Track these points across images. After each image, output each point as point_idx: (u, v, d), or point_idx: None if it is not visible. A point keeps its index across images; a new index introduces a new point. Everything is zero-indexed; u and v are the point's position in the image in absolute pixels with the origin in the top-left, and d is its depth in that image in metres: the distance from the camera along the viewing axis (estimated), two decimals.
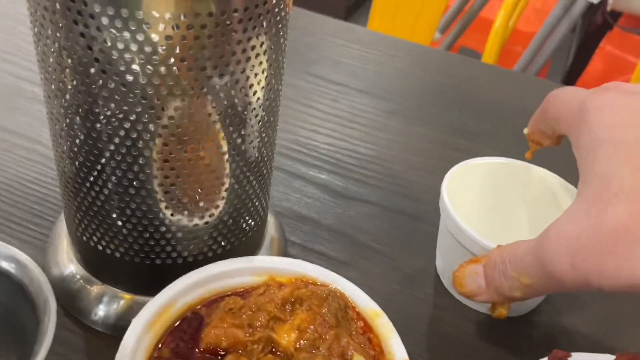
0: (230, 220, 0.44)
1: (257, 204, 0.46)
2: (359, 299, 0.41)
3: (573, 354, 0.38)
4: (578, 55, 2.03)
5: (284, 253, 0.53)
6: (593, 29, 2.13)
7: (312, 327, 0.37)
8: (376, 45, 0.88)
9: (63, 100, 0.37)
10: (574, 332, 0.51)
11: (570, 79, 2.00)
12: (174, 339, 0.38)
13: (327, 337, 0.37)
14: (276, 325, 0.38)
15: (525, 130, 0.49)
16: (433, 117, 0.75)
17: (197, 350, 0.37)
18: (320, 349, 0.36)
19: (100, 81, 0.35)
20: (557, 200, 0.51)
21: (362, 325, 0.40)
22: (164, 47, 0.33)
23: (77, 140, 0.38)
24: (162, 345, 0.37)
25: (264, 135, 0.43)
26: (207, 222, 0.42)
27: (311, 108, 0.73)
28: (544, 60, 1.71)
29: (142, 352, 0.36)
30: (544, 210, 0.51)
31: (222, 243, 0.44)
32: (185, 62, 0.35)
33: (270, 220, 0.54)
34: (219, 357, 0.37)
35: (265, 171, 0.46)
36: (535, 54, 1.68)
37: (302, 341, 0.37)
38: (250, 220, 0.46)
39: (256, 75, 0.39)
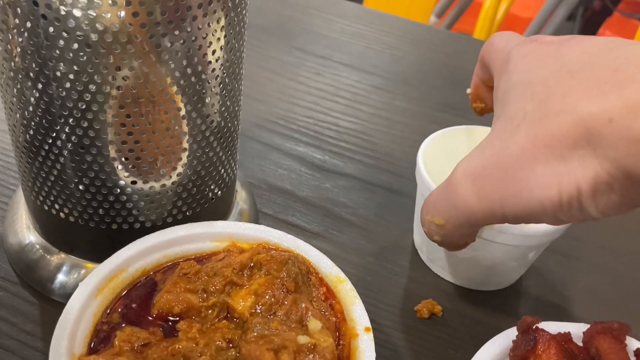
0: (191, 186, 0.42)
1: (221, 170, 0.44)
2: (323, 265, 0.39)
3: (544, 322, 0.36)
4: None
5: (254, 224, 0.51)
6: (592, 14, 2.10)
7: (269, 292, 0.35)
8: (363, 19, 0.86)
9: (12, 64, 0.35)
10: (553, 304, 0.49)
11: None
12: (124, 304, 0.36)
13: (285, 302, 0.35)
14: (232, 291, 0.36)
15: (468, 90, 0.46)
16: (419, 92, 0.73)
17: (148, 316, 0.36)
18: (277, 314, 0.34)
19: (49, 40, 0.33)
20: None
21: (325, 291, 0.38)
22: (114, 1, 0.31)
23: (30, 107, 0.36)
24: (111, 311, 0.35)
25: (225, 98, 0.41)
26: (165, 187, 0.40)
27: (293, 81, 0.71)
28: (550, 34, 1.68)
29: (89, 318, 0.35)
30: None
31: (183, 209, 0.42)
32: (137, 18, 0.33)
33: (240, 191, 0.52)
34: (172, 323, 0.35)
35: (229, 136, 0.44)
36: (537, 32, 1.66)
37: (258, 306, 0.35)
38: (214, 187, 0.44)
39: (214, 32, 0.37)
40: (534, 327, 0.35)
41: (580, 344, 0.36)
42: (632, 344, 0.36)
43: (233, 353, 0.32)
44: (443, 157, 0.49)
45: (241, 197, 0.51)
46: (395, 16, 0.89)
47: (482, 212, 0.33)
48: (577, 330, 0.37)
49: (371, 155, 0.62)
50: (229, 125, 0.43)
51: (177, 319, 0.35)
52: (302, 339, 0.32)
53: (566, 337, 0.36)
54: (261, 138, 0.62)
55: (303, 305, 0.35)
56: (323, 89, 0.71)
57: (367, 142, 0.63)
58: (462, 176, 0.34)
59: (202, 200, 0.43)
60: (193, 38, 0.35)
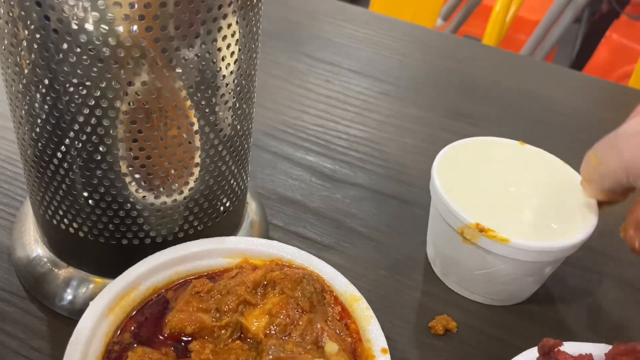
0: (203, 200, 0.41)
1: (232, 183, 0.44)
2: (338, 283, 0.38)
3: (565, 343, 0.35)
4: (584, 43, 1.99)
5: (265, 236, 0.50)
6: (599, 17, 2.08)
7: (284, 311, 0.35)
8: (371, 25, 0.85)
9: (22, 78, 0.34)
10: (570, 320, 0.48)
11: (576, 67, 1.96)
12: (136, 323, 0.35)
13: (300, 322, 0.34)
14: (246, 310, 0.35)
15: (593, 195, 0.45)
16: (429, 99, 0.72)
17: (160, 335, 0.35)
18: (292, 335, 0.34)
19: (60, 54, 0.32)
20: (553, 179, 0.48)
21: (340, 310, 0.37)
22: (127, 15, 0.31)
23: (40, 121, 0.36)
24: (122, 330, 0.35)
25: (238, 111, 0.40)
26: (176, 201, 0.40)
27: (302, 88, 0.71)
28: (548, 48, 1.67)
29: (100, 337, 0.34)
30: (541, 189, 0.47)
31: (195, 224, 0.42)
32: (151, 32, 0.32)
33: (251, 202, 0.51)
34: (184, 343, 0.34)
35: (241, 149, 0.43)
36: (539, 41, 1.64)
37: (272, 327, 0.34)
38: (225, 200, 0.43)
39: (228, 46, 0.36)
40: (555, 349, 0.34)
41: None
42: None
43: None
44: (459, 170, 0.48)
45: (252, 209, 0.50)
46: (403, 21, 0.88)
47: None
48: (598, 352, 0.36)
49: (382, 165, 0.61)
50: (241, 137, 0.42)
51: (190, 339, 0.35)
52: None
53: (587, 357, 0.35)
54: (270, 147, 0.61)
55: (319, 326, 0.34)
56: (332, 97, 0.70)
57: (377, 151, 0.62)
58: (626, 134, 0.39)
59: (213, 214, 0.43)
60: (207, 52, 0.35)
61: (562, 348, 0.34)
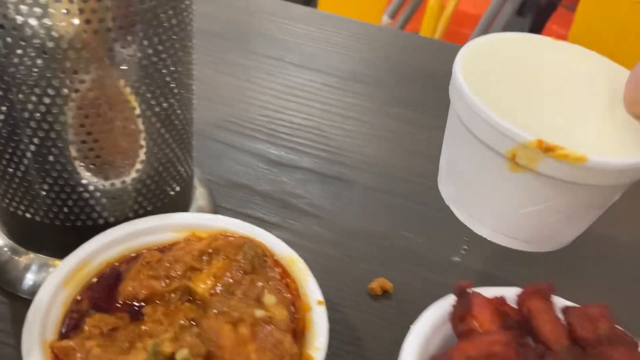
0: (150, 182, 0.44)
1: (178, 166, 0.47)
2: (278, 248, 0.42)
3: (481, 288, 0.40)
4: None
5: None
6: (540, 9, 2.18)
7: (227, 274, 0.38)
8: (314, 22, 0.89)
9: None
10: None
11: None
12: (92, 294, 0.38)
13: (243, 282, 0.38)
14: (193, 275, 0.38)
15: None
16: (368, 88, 0.77)
17: (116, 303, 0.38)
18: (236, 293, 0.37)
19: (7, 48, 0.35)
20: (607, 81, 0.39)
21: (280, 271, 0.41)
22: (68, 10, 0.34)
23: None
24: (79, 300, 0.38)
25: (177, 96, 0.44)
26: (125, 184, 0.43)
27: (248, 82, 0.74)
28: (500, 30, 1.75)
29: (59, 307, 0.37)
30: (597, 94, 0.38)
31: (144, 204, 0.45)
32: (90, 25, 0.35)
33: (199, 187, 0.54)
34: (138, 309, 0.38)
35: (184, 133, 0.47)
36: (482, 34, 1.72)
37: (217, 288, 0.38)
38: (172, 183, 0.47)
39: (163, 37, 0.39)
40: (470, 290, 0.38)
41: (515, 306, 0.40)
42: (559, 302, 0.40)
43: (195, 330, 0.35)
44: (489, 74, 0.38)
45: (200, 193, 0.54)
46: (345, 17, 0.92)
47: None
48: (511, 294, 0.41)
49: (325, 149, 0.65)
50: (183, 122, 0.46)
51: (143, 304, 0.38)
52: (259, 313, 0.35)
53: (501, 300, 0.40)
54: (219, 137, 0.65)
55: (260, 285, 0.38)
56: (276, 89, 0.74)
57: (320, 137, 0.67)
58: None
59: (161, 196, 0.46)
60: (144, 43, 0.38)
61: (476, 290, 0.39)
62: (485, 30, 1.75)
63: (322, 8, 1.60)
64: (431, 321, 0.39)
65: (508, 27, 1.95)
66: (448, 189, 0.42)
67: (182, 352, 0.31)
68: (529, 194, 0.36)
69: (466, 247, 0.55)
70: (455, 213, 0.43)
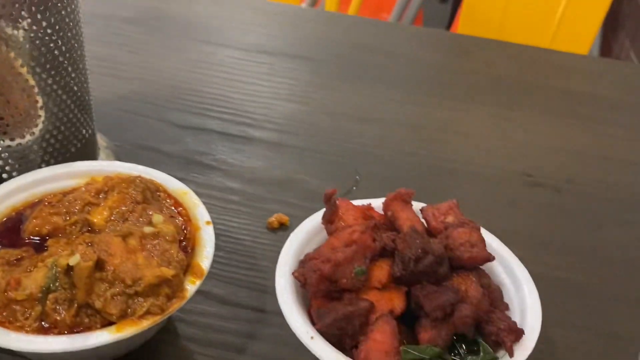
0: (53, 140, 0.49)
1: (78, 126, 0.51)
2: (169, 183, 0.46)
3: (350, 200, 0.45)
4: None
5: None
6: None
7: (122, 206, 0.43)
8: (218, 2, 0.94)
9: None
10: None
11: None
12: None
13: (136, 211, 0.42)
14: (91, 209, 0.43)
15: None
16: (269, 57, 0.82)
17: (22, 240, 0.42)
18: (129, 219, 0.42)
19: None
20: None
21: (173, 202, 0.45)
22: None
23: None
24: None
25: (71, 68, 0.48)
26: (30, 142, 0.47)
27: (155, 58, 0.78)
28: (415, 9, 1.83)
29: None
30: None
31: (46, 159, 0.49)
32: None
33: (104, 150, 0.58)
34: (42, 243, 0.42)
35: (81, 96, 0.51)
36: (398, 19, 1.80)
37: (113, 217, 0.42)
38: (74, 141, 0.51)
39: (50, 16, 0.44)
40: (336, 197, 0.44)
41: (381, 213, 0.46)
42: (417, 205, 0.46)
43: (89, 243, 0.39)
44: None
45: (105, 155, 0.58)
46: (262, 1, 0.97)
47: None
48: (378, 203, 0.47)
49: (227, 112, 0.70)
50: (81, 90, 0.51)
51: (47, 239, 0.42)
52: (147, 229, 0.40)
53: (367, 207, 0.46)
54: (127, 108, 0.69)
55: (151, 212, 0.42)
56: (184, 62, 0.78)
57: (223, 101, 0.71)
58: None
59: (63, 151, 0.50)
60: (34, 26, 0.43)
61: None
62: (401, 14, 1.83)
63: None
64: (307, 228, 0.45)
65: (428, 13, 2.05)
66: None
67: (75, 257, 0.36)
68: None
69: (354, 188, 0.61)
70: None
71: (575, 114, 0.78)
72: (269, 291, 0.49)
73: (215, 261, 0.51)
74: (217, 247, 0.52)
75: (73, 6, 0.48)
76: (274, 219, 0.55)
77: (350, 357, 0.37)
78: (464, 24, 1.23)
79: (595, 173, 0.67)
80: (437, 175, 0.65)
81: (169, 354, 0.44)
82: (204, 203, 0.46)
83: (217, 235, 0.53)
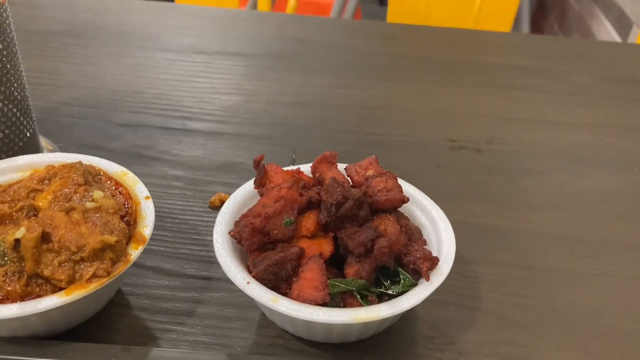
0: None
1: (21, 127, 0.54)
2: (109, 167, 0.50)
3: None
4: None
5: None
6: None
7: (65, 189, 0.45)
8: (152, 11, 0.98)
9: None
10: None
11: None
12: None
13: (78, 192, 0.45)
14: (36, 195, 0.45)
15: None
16: (205, 56, 0.86)
17: None
18: (72, 199, 0.45)
19: None
20: None
21: (114, 183, 0.49)
22: None
23: None
24: None
25: (9, 80, 0.51)
26: None
27: (92, 66, 0.81)
28: (351, 14, 1.89)
29: None
30: None
31: None
32: None
33: (48, 152, 0.61)
34: None
35: (22, 102, 0.54)
36: (339, 13, 1.86)
37: (56, 199, 0.45)
38: (16, 140, 0.54)
39: None
40: (264, 163, 0.48)
41: (310, 176, 0.50)
42: (341, 166, 0.50)
43: (33, 218, 0.42)
44: None
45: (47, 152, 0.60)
46: (177, 4, 1.01)
47: None
48: (307, 168, 0.51)
49: (166, 108, 0.73)
50: (20, 92, 0.54)
51: None
52: (89, 204, 0.43)
53: (296, 170, 0.50)
54: (69, 113, 0.71)
55: (92, 193, 0.45)
56: (122, 68, 0.81)
57: (162, 99, 0.75)
58: None
59: (8, 151, 0.53)
60: None
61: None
62: (338, 16, 1.89)
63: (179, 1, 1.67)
64: (240, 194, 0.48)
65: (367, 16, 2.11)
66: None
67: (20, 231, 0.39)
68: None
69: (292, 166, 0.65)
70: None
71: (495, 84, 0.84)
72: (214, 261, 0.52)
73: (162, 240, 0.55)
74: (164, 228, 0.56)
75: (6, 20, 0.51)
76: (215, 197, 0.59)
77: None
78: (392, 14, 1.29)
79: (513, 133, 0.73)
80: (368, 148, 0.69)
81: (122, 323, 0.47)
82: (149, 191, 0.49)
83: (162, 218, 0.57)
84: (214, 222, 0.56)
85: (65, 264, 0.39)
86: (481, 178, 0.66)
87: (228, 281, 0.42)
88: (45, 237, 0.40)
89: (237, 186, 0.61)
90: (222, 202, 0.59)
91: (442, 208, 0.48)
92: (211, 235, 0.55)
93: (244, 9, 1.78)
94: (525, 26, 1.96)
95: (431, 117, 0.76)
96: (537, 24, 2.27)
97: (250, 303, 0.48)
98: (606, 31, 1.66)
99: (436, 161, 0.68)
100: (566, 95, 0.82)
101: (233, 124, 0.72)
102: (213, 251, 0.53)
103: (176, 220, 0.57)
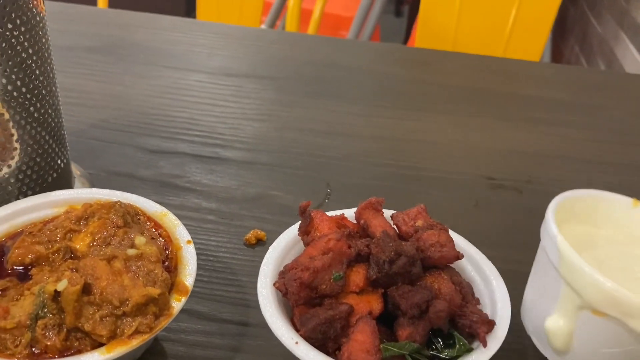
0: (30, 171, 0.50)
1: (53, 156, 0.52)
2: (148, 206, 0.48)
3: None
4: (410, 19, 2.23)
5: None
6: (409, 7, 2.36)
7: (104, 231, 0.44)
8: (181, 28, 0.96)
9: None
10: None
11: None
12: None
13: (117, 235, 0.43)
14: (73, 236, 0.44)
15: None
16: (236, 79, 0.84)
17: (5, 271, 0.43)
18: (111, 243, 0.43)
19: None
20: None
21: (153, 224, 0.47)
22: None
23: None
24: None
25: (46, 99, 0.50)
26: (7, 173, 0.48)
27: (121, 86, 0.80)
28: (372, 26, 1.88)
29: None
30: None
31: (26, 191, 0.50)
32: None
33: (79, 178, 0.59)
34: (26, 273, 0.42)
35: (55, 128, 0.52)
36: (356, 36, 1.85)
37: (95, 242, 0.43)
38: (50, 171, 0.52)
39: (21, 48, 0.45)
40: (310, 209, 0.46)
41: (354, 222, 0.48)
42: (388, 212, 0.48)
43: (75, 268, 0.40)
44: (574, 228, 0.46)
45: (80, 183, 0.59)
46: (208, 22, 1.00)
47: None
48: (351, 213, 0.49)
49: (198, 134, 0.72)
50: (55, 119, 0.52)
51: (31, 267, 0.43)
52: (131, 251, 0.41)
53: (341, 217, 0.48)
54: (98, 136, 0.70)
55: (132, 235, 0.44)
56: (152, 88, 0.80)
57: (194, 125, 0.73)
58: None
59: (42, 184, 0.51)
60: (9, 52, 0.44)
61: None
62: (359, 31, 1.88)
63: (200, 17, 1.67)
64: (284, 240, 0.46)
65: (384, 28, 2.10)
66: (530, 322, 0.46)
67: (62, 283, 0.37)
68: (612, 337, 0.39)
69: (327, 200, 0.63)
70: (536, 344, 0.46)
71: (530, 117, 0.82)
72: (251, 305, 0.50)
73: (196, 280, 0.52)
74: (198, 266, 0.54)
75: (44, 36, 0.49)
76: (250, 235, 0.57)
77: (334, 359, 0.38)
78: (420, 38, 1.28)
79: (553, 172, 0.71)
80: (405, 183, 0.67)
81: None
82: (186, 225, 0.47)
83: (196, 254, 0.55)
84: (249, 260, 0.55)
85: (107, 318, 0.37)
86: (521, 220, 0.63)
87: (266, 327, 0.40)
88: (86, 289, 0.38)
89: (271, 221, 0.60)
90: (258, 240, 0.57)
91: (482, 252, 0.47)
92: (247, 275, 0.54)
93: (264, 20, 1.77)
94: (547, 48, 1.94)
95: (467, 152, 0.74)
96: (558, 47, 2.25)
97: (289, 354, 0.46)
98: (632, 56, 1.64)
99: (474, 200, 0.66)
100: (606, 131, 0.80)
101: (265, 153, 0.70)
102: (250, 293, 0.51)
103: (210, 258, 0.55)
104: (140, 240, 0.42)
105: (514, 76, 0.94)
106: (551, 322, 0.42)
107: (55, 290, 0.37)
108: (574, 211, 0.46)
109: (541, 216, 0.64)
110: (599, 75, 1.03)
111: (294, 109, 0.79)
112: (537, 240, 0.61)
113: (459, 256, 0.43)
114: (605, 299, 0.38)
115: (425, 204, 0.48)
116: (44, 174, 0.51)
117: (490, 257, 0.47)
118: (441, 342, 0.41)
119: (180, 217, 0.50)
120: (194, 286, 0.52)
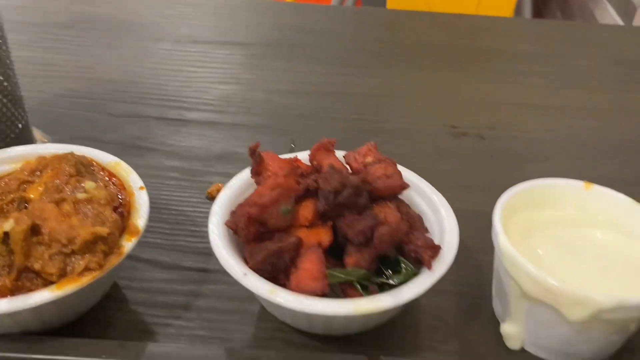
0: None
1: (13, 119, 0.53)
2: (101, 157, 0.48)
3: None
4: None
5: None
6: None
7: (57, 180, 0.44)
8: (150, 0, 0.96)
9: None
10: None
11: None
12: None
13: (70, 182, 0.44)
14: (27, 187, 0.44)
15: None
16: (203, 46, 0.84)
17: None
18: (64, 191, 0.43)
19: None
20: (628, 223, 0.45)
21: (108, 174, 0.47)
22: None
23: None
24: None
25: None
26: None
27: (87, 57, 0.80)
28: None
29: None
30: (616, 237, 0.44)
31: None
32: None
33: (41, 141, 0.60)
34: None
35: (13, 94, 0.53)
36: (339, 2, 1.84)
37: (48, 191, 0.44)
38: (8, 132, 0.53)
39: None
40: (258, 150, 0.46)
41: (308, 164, 0.49)
42: (339, 153, 0.49)
43: (23, 211, 0.40)
44: (524, 217, 0.46)
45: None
46: None
47: None
48: (305, 155, 0.49)
49: (163, 99, 0.72)
50: (12, 86, 0.52)
51: None
52: (80, 195, 0.42)
53: (294, 159, 0.48)
54: (63, 105, 0.70)
55: (84, 184, 0.44)
56: (119, 59, 0.80)
57: (160, 89, 0.74)
58: None
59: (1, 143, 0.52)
60: None
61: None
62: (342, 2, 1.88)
63: None
64: (237, 183, 0.47)
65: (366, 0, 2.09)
66: (497, 307, 0.47)
67: (9, 223, 0.38)
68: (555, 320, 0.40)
69: (293, 145, 0.64)
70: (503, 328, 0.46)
71: (496, 69, 0.83)
72: (212, 253, 0.51)
73: (159, 232, 0.53)
74: (160, 220, 0.55)
75: None
76: (212, 188, 0.58)
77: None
78: (392, 2, 1.27)
79: (516, 119, 0.72)
80: (368, 135, 0.67)
81: (118, 318, 0.46)
82: (144, 182, 0.48)
83: (159, 209, 0.55)
84: (209, 212, 0.56)
85: (56, 257, 0.38)
86: (483, 165, 0.64)
87: (226, 273, 0.41)
88: (35, 230, 0.39)
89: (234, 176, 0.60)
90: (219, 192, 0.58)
91: (443, 195, 0.47)
92: (206, 224, 0.54)
93: None
94: (527, 12, 1.93)
95: (432, 104, 0.74)
96: (539, 10, 2.25)
97: (249, 296, 0.47)
98: (610, 16, 1.64)
99: (437, 148, 0.66)
100: (569, 79, 0.81)
101: (230, 114, 0.70)
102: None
103: (173, 212, 0.56)
104: (90, 185, 0.43)
105: (483, 32, 0.94)
106: (506, 327, 0.44)
107: (5, 233, 0.38)
108: (525, 200, 0.46)
109: (503, 159, 0.65)
110: (566, 27, 1.04)
111: (261, 72, 0.80)
112: (499, 182, 0.62)
113: (404, 186, 0.44)
114: (538, 289, 0.39)
115: (389, 155, 0.48)
116: (1, 134, 0.52)
117: (450, 199, 0.47)
118: (389, 271, 0.41)
119: (142, 176, 0.50)
120: (157, 238, 0.53)
